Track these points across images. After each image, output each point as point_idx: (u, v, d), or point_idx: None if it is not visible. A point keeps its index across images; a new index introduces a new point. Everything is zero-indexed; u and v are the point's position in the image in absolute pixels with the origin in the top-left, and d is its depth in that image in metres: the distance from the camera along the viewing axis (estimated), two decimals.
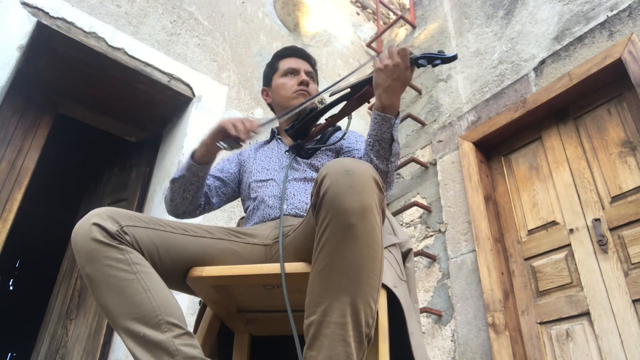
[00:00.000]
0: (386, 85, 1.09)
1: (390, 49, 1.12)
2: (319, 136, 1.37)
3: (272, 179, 1.31)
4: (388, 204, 3.19)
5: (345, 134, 1.30)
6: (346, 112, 1.25)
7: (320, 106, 1.27)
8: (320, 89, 1.49)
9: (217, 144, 1.22)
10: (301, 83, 1.41)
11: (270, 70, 1.50)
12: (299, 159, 1.32)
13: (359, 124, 3.48)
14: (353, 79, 1.25)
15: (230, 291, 1.09)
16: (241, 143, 1.18)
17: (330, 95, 1.26)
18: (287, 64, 1.46)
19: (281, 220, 1.07)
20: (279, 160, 1.37)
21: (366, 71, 1.67)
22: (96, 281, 0.88)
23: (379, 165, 1.15)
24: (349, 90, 1.23)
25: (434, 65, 1.08)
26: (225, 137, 1.19)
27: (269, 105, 1.55)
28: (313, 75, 1.48)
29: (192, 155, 1.26)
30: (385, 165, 1.15)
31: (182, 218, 1.35)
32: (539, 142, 2.65)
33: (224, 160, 1.47)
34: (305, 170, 1.30)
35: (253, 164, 1.40)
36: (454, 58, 1.06)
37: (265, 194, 1.27)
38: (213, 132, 1.22)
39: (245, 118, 1.20)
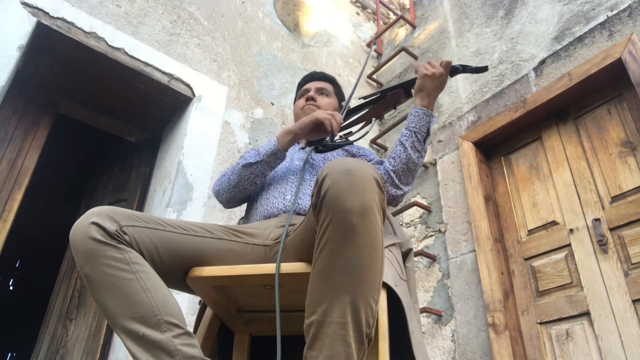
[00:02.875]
0: (430, 89, 1.27)
1: (433, 61, 1.28)
2: (339, 135, 1.44)
3: (284, 174, 1.35)
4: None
5: (367, 132, 1.40)
6: (372, 114, 1.37)
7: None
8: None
9: (320, 146, 1.28)
10: (307, 99, 1.53)
11: (295, 96, 1.65)
12: (314, 155, 1.40)
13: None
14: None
15: (230, 291, 1.09)
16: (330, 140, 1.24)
17: (359, 99, 1.39)
18: (303, 87, 1.60)
19: (291, 213, 1.07)
20: (292, 157, 1.43)
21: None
22: (95, 281, 0.87)
23: (411, 155, 1.24)
24: (378, 94, 1.35)
25: (466, 72, 1.28)
26: (318, 131, 1.25)
27: None
28: (325, 91, 1.56)
29: (277, 141, 1.29)
30: (417, 157, 1.25)
31: (232, 207, 1.38)
32: (539, 142, 2.65)
33: None
34: (320, 167, 1.36)
35: None
36: (484, 69, 1.26)
37: (276, 189, 1.31)
38: (306, 124, 1.26)
39: (332, 112, 1.27)
